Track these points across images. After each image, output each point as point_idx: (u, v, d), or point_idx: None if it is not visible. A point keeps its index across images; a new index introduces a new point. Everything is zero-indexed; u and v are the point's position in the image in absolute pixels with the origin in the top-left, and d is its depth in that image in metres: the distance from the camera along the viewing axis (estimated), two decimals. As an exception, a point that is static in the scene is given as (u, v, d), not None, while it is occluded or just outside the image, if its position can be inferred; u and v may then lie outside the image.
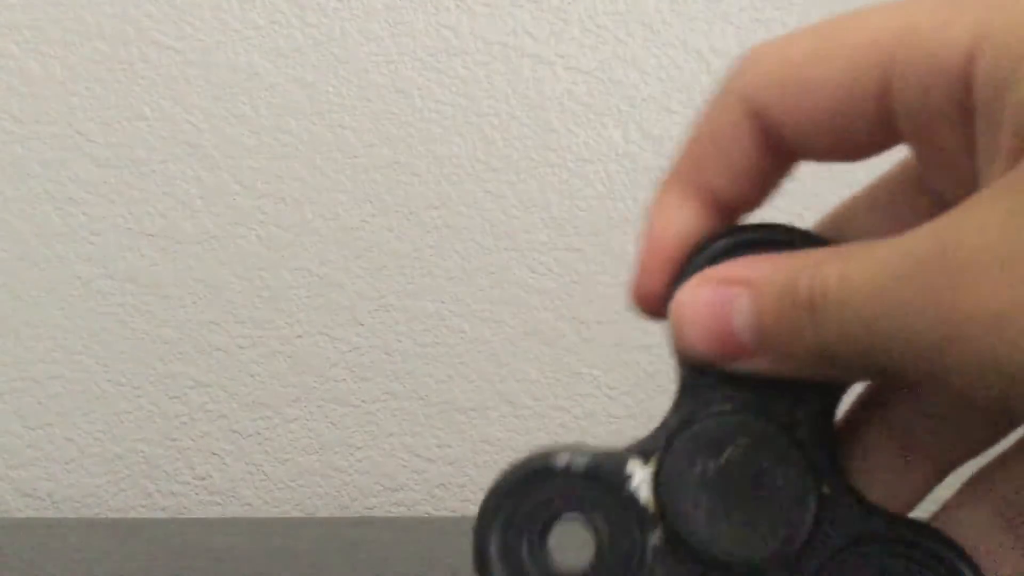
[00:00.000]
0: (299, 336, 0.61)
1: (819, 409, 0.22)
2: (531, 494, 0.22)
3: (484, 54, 0.61)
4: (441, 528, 0.58)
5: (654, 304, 0.22)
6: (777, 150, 0.23)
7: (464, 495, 0.61)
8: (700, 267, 0.23)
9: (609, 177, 0.61)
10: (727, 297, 0.21)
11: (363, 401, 0.61)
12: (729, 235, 0.24)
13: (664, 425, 0.22)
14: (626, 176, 0.61)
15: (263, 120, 0.60)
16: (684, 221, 0.23)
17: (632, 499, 0.22)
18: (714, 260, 0.23)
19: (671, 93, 0.62)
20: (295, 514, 0.61)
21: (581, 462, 0.22)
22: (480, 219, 0.61)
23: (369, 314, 0.61)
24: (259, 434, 0.61)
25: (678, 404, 0.22)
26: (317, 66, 0.60)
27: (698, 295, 0.21)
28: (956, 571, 0.21)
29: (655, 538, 0.21)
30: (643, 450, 0.22)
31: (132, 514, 0.61)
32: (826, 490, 0.21)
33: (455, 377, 0.62)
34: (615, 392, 0.63)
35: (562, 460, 0.22)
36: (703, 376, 0.22)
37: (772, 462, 0.21)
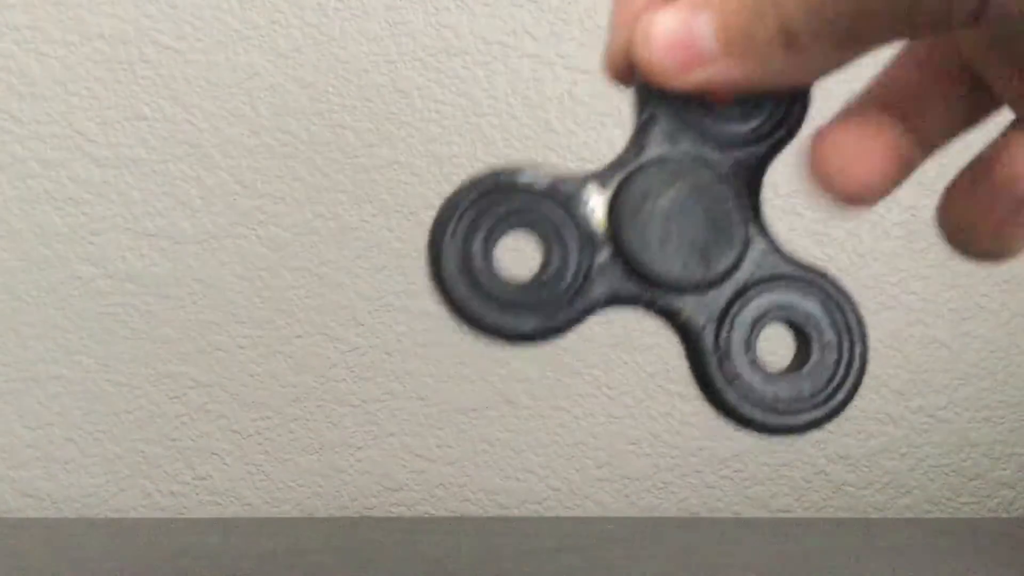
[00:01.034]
0: (299, 336, 0.61)
1: (755, 160, 0.26)
2: (490, 204, 0.24)
3: (484, 54, 0.61)
4: (441, 528, 0.58)
5: (626, 70, 0.24)
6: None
7: (464, 495, 0.61)
8: None
9: (609, 177, 0.61)
10: (690, 9, 0.23)
11: (363, 401, 0.61)
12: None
13: (620, 160, 0.25)
14: (626, 176, 0.61)
15: (263, 120, 0.60)
16: None
17: (585, 219, 0.24)
18: None
19: (671, 93, 0.61)
20: (295, 514, 0.61)
21: (543, 181, 0.25)
22: (480, 219, 0.61)
23: (369, 314, 0.61)
24: (259, 434, 0.61)
25: (633, 142, 0.25)
26: (317, 66, 0.60)
27: (662, 13, 0.23)
28: (842, 308, 0.25)
29: (601, 257, 0.24)
30: (600, 179, 0.25)
31: (132, 514, 0.61)
32: (751, 231, 0.25)
33: (455, 377, 0.62)
34: (615, 392, 0.63)
35: (525, 176, 0.25)
36: (659, 110, 0.25)
37: (711, 202, 0.24)
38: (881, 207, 0.68)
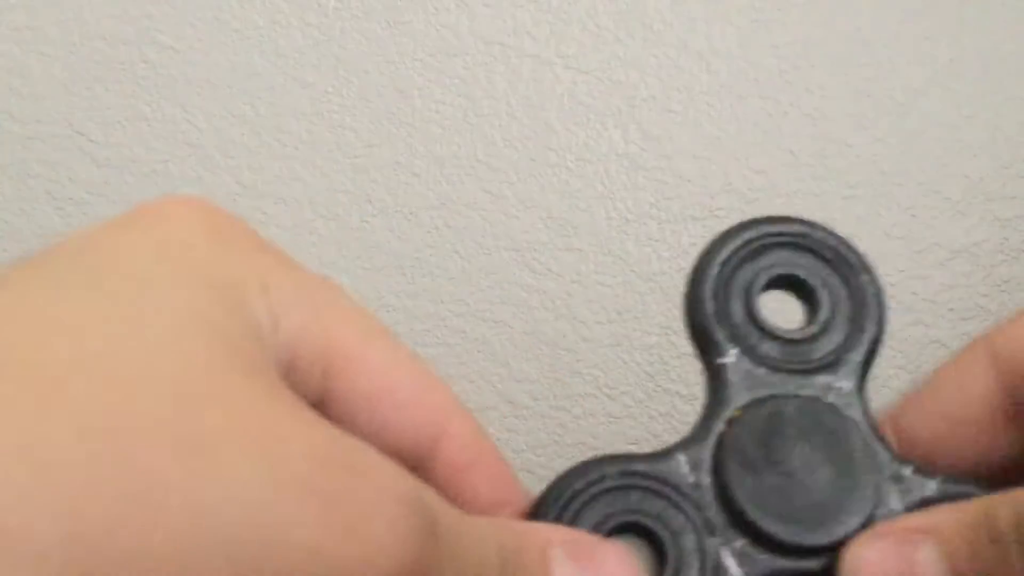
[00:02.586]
0: (299, 336, 0.61)
1: (861, 380, 0.22)
2: (581, 512, 0.21)
3: (484, 54, 0.61)
4: (441, 528, 0.58)
5: None
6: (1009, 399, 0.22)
7: (464, 495, 0.61)
8: (726, 257, 0.23)
9: (609, 177, 0.61)
10: (910, 545, 0.19)
11: (363, 401, 0.61)
12: (749, 226, 0.24)
13: (705, 423, 0.22)
14: (626, 176, 0.61)
15: (263, 120, 0.60)
16: None
17: (694, 499, 0.21)
18: (739, 250, 0.23)
19: (671, 93, 0.62)
20: (295, 514, 0.61)
21: (633, 471, 0.21)
22: (480, 219, 0.61)
23: (369, 314, 0.61)
24: (259, 434, 0.61)
25: (715, 398, 0.22)
26: (317, 66, 0.60)
27: (877, 547, 0.20)
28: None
29: (724, 535, 0.21)
30: (690, 448, 0.21)
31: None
32: (881, 454, 0.21)
33: (455, 377, 0.62)
34: (615, 392, 0.63)
35: (607, 477, 0.21)
36: (730, 353, 0.22)
37: (825, 439, 0.21)
38: (881, 207, 0.68)
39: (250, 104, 0.60)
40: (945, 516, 0.20)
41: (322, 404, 0.19)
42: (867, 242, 0.63)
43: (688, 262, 0.30)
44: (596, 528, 0.21)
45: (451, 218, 0.61)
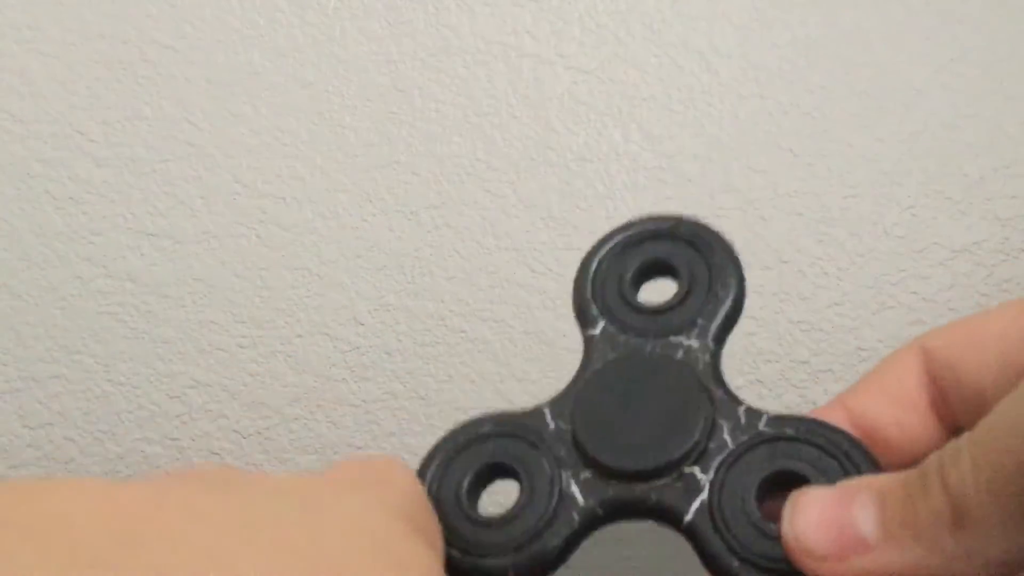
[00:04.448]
0: (299, 336, 0.61)
1: (716, 341, 0.25)
2: (458, 462, 0.25)
3: (484, 54, 0.61)
4: (441, 528, 0.58)
5: None
6: (939, 391, 0.24)
7: (464, 495, 0.61)
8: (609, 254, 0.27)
9: (609, 177, 0.61)
10: (846, 495, 0.21)
11: (363, 401, 0.61)
12: (625, 228, 0.28)
13: (573, 382, 0.26)
14: (626, 176, 0.61)
15: (263, 120, 0.60)
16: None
17: (551, 442, 0.25)
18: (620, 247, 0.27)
19: (671, 93, 0.62)
20: (295, 514, 0.61)
21: (502, 424, 0.25)
22: (480, 219, 0.61)
23: (369, 314, 0.61)
24: (259, 434, 0.61)
25: (582, 362, 0.26)
26: (317, 66, 0.60)
27: (815, 490, 0.21)
28: (832, 441, 0.23)
29: (573, 468, 0.24)
30: (555, 401, 0.26)
31: (132, 514, 0.61)
32: (718, 398, 0.24)
33: (455, 377, 0.62)
34: (615, 392, 0.63)
35: (485, 426, 0.26)
36: (599, 325, 0.26)
37: (665, 384, 0.24)
38: (881, 207, 0.68)
39: (250, 104, 0.60)
40: (882, 477, 0.21)
41: None
42: (867, 241, 0.63)
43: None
44: (468, 469, 0.25)
45: (451, 217, 0.61)
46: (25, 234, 0.60)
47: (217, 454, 0.61)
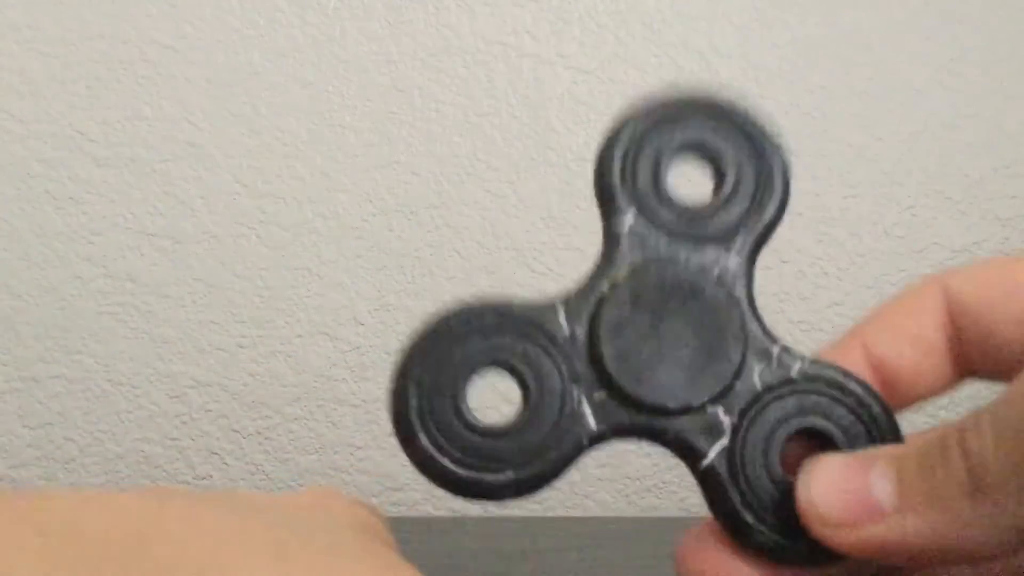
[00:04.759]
0: (299, 336, 0.61)
1: (750, 257, 0.23)
2: (456, 347, 0.22)
3: (484, 54, 0.61)
4: (441, 528, 0.58)
5: None
6: (956, 335, 0.24)
7: (464, 495, 0.61)
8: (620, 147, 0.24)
9: (609, 177, 0.61)
10: (864, 463, 0.20)
11: (363, 401, 0.61)
12: (669, 95, 0.24)
13: (593, 276, 0.23)
14: (626, 176, 0.61)
15: (263, 120, 0.60)
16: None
17: (565, 350, 0.22)
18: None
19: (671, 93, 0.61)
20: (295, 514, 0.61)
21: (512, 312, 0.22)
22: (480, 219, 0.61)
23: (369, 314, 0.61)
24: (259, 434, 0.61)
25: (604, 254, 0.23)
26: (317, 66, 0.60)
27: (830, 457, 0.21)
28: (863, 403, 0.22)
29: (587, 385, 0.22)
30: (574, 302, 0.22)
31: (132, 514, 0.61)
32: (751, 332, 0.22)
33: (455, 377, 0.62)
34: (615, 392, 0.63)
35: (488, 317, 0.22)
36: (627, 214, 0.23)
37: (700, 311, 0.22)
38: (881, 207, 0.68)
39: (250, 104, 0.60)
40: (900, 446, 0.21)
41: None
42: (867, 242, 0.64)
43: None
44: (464, 363, 0.22)
45: (451, 217, 0.61)
46: (25, 234, 0.60)
47: (217, 454, 0.61)
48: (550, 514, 0.62)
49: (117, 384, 0.60)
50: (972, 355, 0.23)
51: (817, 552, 0.21)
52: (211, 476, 0.61)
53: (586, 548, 0.54)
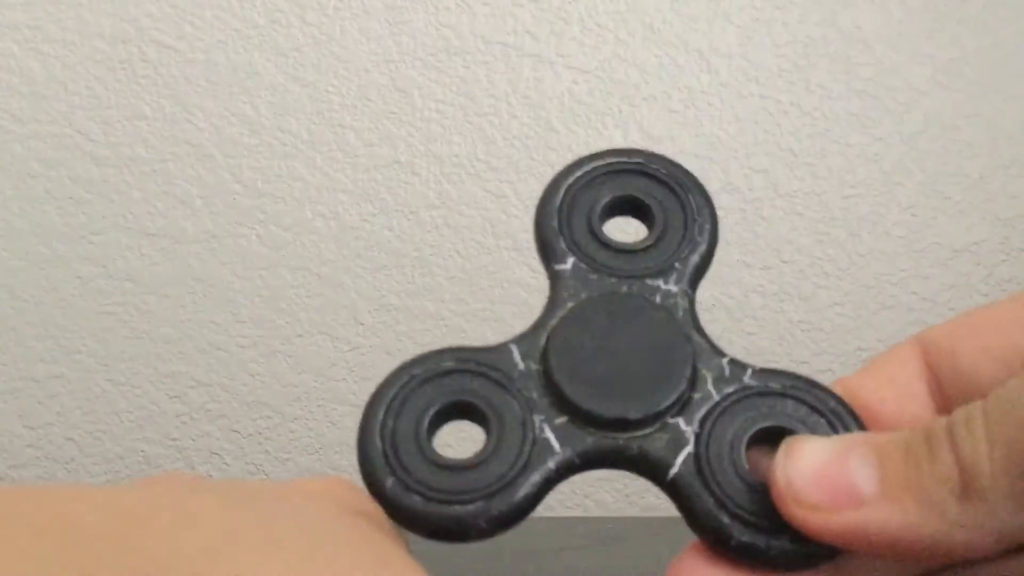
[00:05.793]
0: (299, 336, 0.61)
1: (690, 284, 0.24)
2: (419, 399, 0.23)
3: (484, 54, 0.61)
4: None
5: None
6: (935, 379, 0.24)
7: (464, 495, 0.61)
8: (573, 187, 0.25)
9: (609, 177, 0.61)
10: (843, 446, 0.20)
11: (363, 401, 0.61)
12: (593, 158, 0.26)
13: (542, 317, 0.24)
14: (626, 176, 0.61)
15: (263, 120, 0.60)
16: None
17: (522, 384, 0.23)
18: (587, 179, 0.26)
19: (671, 93, 0.62)
20: (295, 514, 0.61)
21: (466, 360, 0.23)
22: (480, 219, 0.61)
23: (369, 314, 0.61)
24: (259, 434, 0.61)
25: (550, 297, 0.24)
26: (317, 66, 0.60)
27: (815, 443, 0.20)
28: (821, 400, 0.23)
29: (548, 413, 0.22)
30: (526, 340, 0.24)
31: (132, 514, 0.61)
32: (699, 346, 0.23)
33: (455, 377, 0.62)
34: (615, 392, 0.63)
35: (446, 360, 0.23)
36: (568, 260, 0.25)
37: (646, 329, 0.23)
38: (881, 207, 0.68)
39: (250, 104, 0.60)
40: (881, 434, 0.21)
41: None
42: (868, 241, 0.64)
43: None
44: (426, 407, 0.23)
45: (451, 217, 0.60)
46: (25, 234, 0.60)
47: (217, 454, 0.61)
48: (550, 514, 0.62)
49: (117, 384, 0.60)
50: (950, 393, 0.23)
51: (799, 551, 0.21)
52: (211, 476, 0.61)
53: (586, 548, 0.54)
